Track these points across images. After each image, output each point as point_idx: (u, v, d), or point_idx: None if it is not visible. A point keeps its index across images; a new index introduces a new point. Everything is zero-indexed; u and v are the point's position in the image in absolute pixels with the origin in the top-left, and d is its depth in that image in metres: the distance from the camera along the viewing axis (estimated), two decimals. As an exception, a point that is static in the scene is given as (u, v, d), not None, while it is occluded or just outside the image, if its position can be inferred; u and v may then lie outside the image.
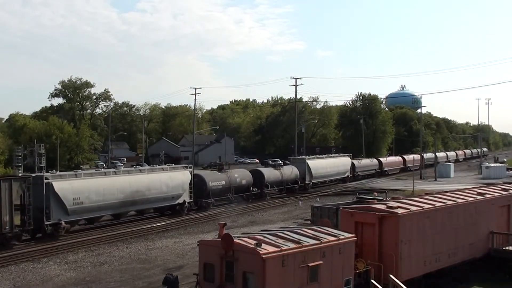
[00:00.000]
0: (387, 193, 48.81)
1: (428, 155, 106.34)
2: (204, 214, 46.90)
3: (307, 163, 64.97)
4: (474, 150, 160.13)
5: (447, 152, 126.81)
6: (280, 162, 66.20)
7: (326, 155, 76.02)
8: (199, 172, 52.71)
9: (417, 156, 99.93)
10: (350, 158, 77.01)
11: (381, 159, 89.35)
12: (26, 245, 33.79)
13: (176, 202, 45.95)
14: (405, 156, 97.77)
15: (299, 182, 63.28)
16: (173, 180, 45.43)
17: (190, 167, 49.16)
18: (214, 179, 50.44)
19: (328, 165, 70.25)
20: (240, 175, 54.47)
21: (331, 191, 63.43)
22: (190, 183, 47.12)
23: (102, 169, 48.92)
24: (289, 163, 65.42)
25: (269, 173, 58.66)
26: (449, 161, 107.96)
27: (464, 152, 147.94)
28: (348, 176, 74.30)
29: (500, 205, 26.83)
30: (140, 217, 44.23)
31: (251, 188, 55.03)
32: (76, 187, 37.07)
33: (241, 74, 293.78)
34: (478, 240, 25.08)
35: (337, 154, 79.49)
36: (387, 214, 20.92)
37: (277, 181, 59.40)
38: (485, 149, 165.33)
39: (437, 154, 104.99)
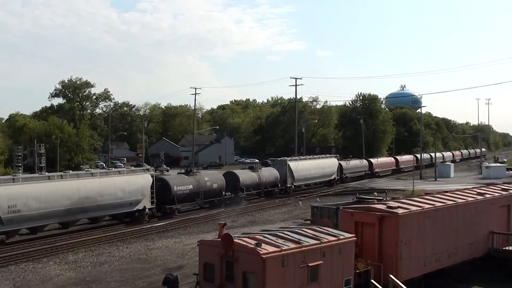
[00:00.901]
0: (387, 193, 48.86)
1: (424, 156, 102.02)
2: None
3: (288, 165, 61.67)
4: (472, 151, 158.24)
5: (443, 153, 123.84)
6: (259, 163, 64.08)
7: (310, 156, 72.68)
8: (163, 176, 49.57)
9: (410, 157, 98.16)
10: (338, 159, 73.44)
11: (371, 160, 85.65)
12: (26, 245, 33.82)
13: (135, 209, 41.93)
14: (398, 157, 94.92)
15: (279, 185, 60.06)
16: (131, 184, 41.45)
17: (153, 170, 45.90)
18: (180, 183, 46.53)
19: (312, 166, 66.50)
20: (211, 178, 50.83)
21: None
22: (152, 188, 43.04)
23: (46, 173, 43.25)
24: (271, 165, 63.08)
25: (244, 175, 55.39)
26: (445, 162, 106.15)
27: (461, 152, 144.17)
28: (334, 178, 70.64)
29: (500, 205, 26.84)
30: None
31: (224, 192, 51.40)
32: (12, 194, 33.07)
33: (241, 74, 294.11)
34: (478, 240, 25.08)
35: (322, 155, 75.19)
36: (387, 214, 20.92)
37: (254, 184, 56.08)
38: (483, 149, 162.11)
39: (432, 154, 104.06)
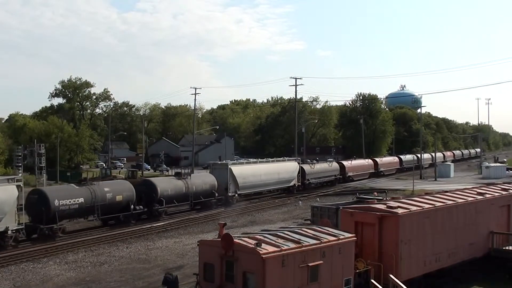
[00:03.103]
0: (387, 193, 48.85)
1: (407, 157, 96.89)
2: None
3: (230, 169, 52.77)
4: (466, 151, 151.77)
5: (432, 154, 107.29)
6: (189, 170, 53.21)
7: (264, 160, 64.46)
8: (41, 188, 43.01)
9: (393, 159, 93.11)
10: (298, 163, 64.84)
11: (344, 162, 76.56)
12: (26, 245, 33.80)
13: None
14: (377, 159, 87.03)
15: (217, 195, 50.27)
16: None
17: (19, 180, 34.95)
18: (66, 196, 36.88)
19: (262, 171, 57.66)
20: (114, 188, 40.90)
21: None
22: (19, 203, 34.12)
23: None
24: (210, 170, 55.39)
25: (165, 184, 45.80)
26: (436, 164, 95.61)
27: (453, 153, 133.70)
28: (295, 185, 62.28)
29: (500, 205, 26.84)
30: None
31: (132, 206, 41.41)
32: None
33: (241, 74, 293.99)
34: (478, 240, 25.08)
35: (280, 158, 66.69)
36: (387, 214, 20.92)
37: (180, 194, 46.14)
38: (478, 150, 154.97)
39: (419, 156, 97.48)
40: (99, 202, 38.84)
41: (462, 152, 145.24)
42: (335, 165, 73.35)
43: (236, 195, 53.18)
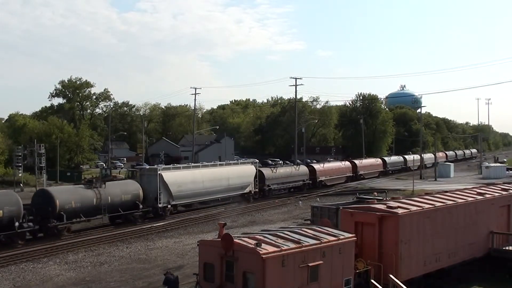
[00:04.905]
0: (387, 193, 48.84)
1: (392, 159, 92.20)
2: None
3: (160, 175, 44.80)
4: (460, 152, 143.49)
5: (424, 155, 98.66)
6: (100, 179, 44.58)
7: (211, 163, 55.20)
8: None
9: (374, 161, 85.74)
10: (256, 166, 56.62)
11: (315, 166, 69.02)
12: (26, 245, 33.79)
13: None
14: (356, 161, 79.12)
15: (141, 207, 42.79)
16: None
17: None
18: None
19: (206, 177, 49.53)
20: None
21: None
22: None
23: None
24: (141, 175, 47.49)
25: (67, 195, 37.79)
26: (426, 166, 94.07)
27: (446, 154, 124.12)
28: (250, 192, 54.80)
29: (500, 205, 26.85)
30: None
31: (17, 223, 33.58)
32: None
33: (241, 74, 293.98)
34: (478, 240, 25.08)
35: (232, 162, 60.00)
36: (387, 214, 20.92)
37: (89, 207, 38.53)
38: (474, 150, 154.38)
39: (406, 157, 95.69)
40: None
41: (455, 153, 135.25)
42: (303, 168, 65.53)
43: (170, 206, 45.57)
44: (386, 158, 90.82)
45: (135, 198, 42.50)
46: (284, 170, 62.67)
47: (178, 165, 52.53)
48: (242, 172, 54.61)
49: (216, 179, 50.82)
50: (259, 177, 56.47)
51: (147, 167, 56.27)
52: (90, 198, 38.85)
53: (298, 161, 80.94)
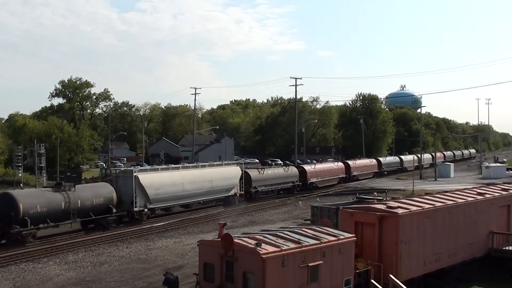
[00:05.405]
0: (387, 193, 48.86)
1: (387, 160, 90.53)
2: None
3: (136, 178, 42.28)
4: (458, 152, 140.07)
5: (418, 155, 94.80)
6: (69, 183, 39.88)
7: (192, 165, 54.33)
8: None
9: (369, 161, 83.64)
10: (242, 167, 54.84)
11: (306, 167, 66.64)
12: (26, 245, 33.78)
13: None
14: (349, 162, 76.51)
15: (115, 211, 40.35)
16: None
17: None
18: None
19: (186, 179, 47.31)
20: None
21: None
22: None
23: None
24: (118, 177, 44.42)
25: (32, 199, 35.31)
26: (423, 166, 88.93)
27: (444, 154, 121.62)
28: (235, 194, 52.53)
29: (500, 205, 26.84)
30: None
31: None
32: None
33: (241, 74, 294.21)
34: (478, 240, 25.08)
35: (216, 163, 57.17)
36: (387, 214, 20.92)
37: (57, 212, 36.14)
38: (473, 150, 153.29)
39: (402, 157, 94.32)
40: None
41: (453, 153, 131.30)
42: (293, 170, 62.98)
43: (146, 210, 43.29)
44: (381, 159, 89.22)
45: (108, 202, 39.96)
46: (272, 172, 60.46)
47: (156, 167, 50.84)
48: (226, 174, 52.19)
49: (197, 181, 48.34)
50: (245, 179, 54.22)
51: (122, 168, 53.73)
52: (57, 202, 36.21)
53: (298, 161, 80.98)
